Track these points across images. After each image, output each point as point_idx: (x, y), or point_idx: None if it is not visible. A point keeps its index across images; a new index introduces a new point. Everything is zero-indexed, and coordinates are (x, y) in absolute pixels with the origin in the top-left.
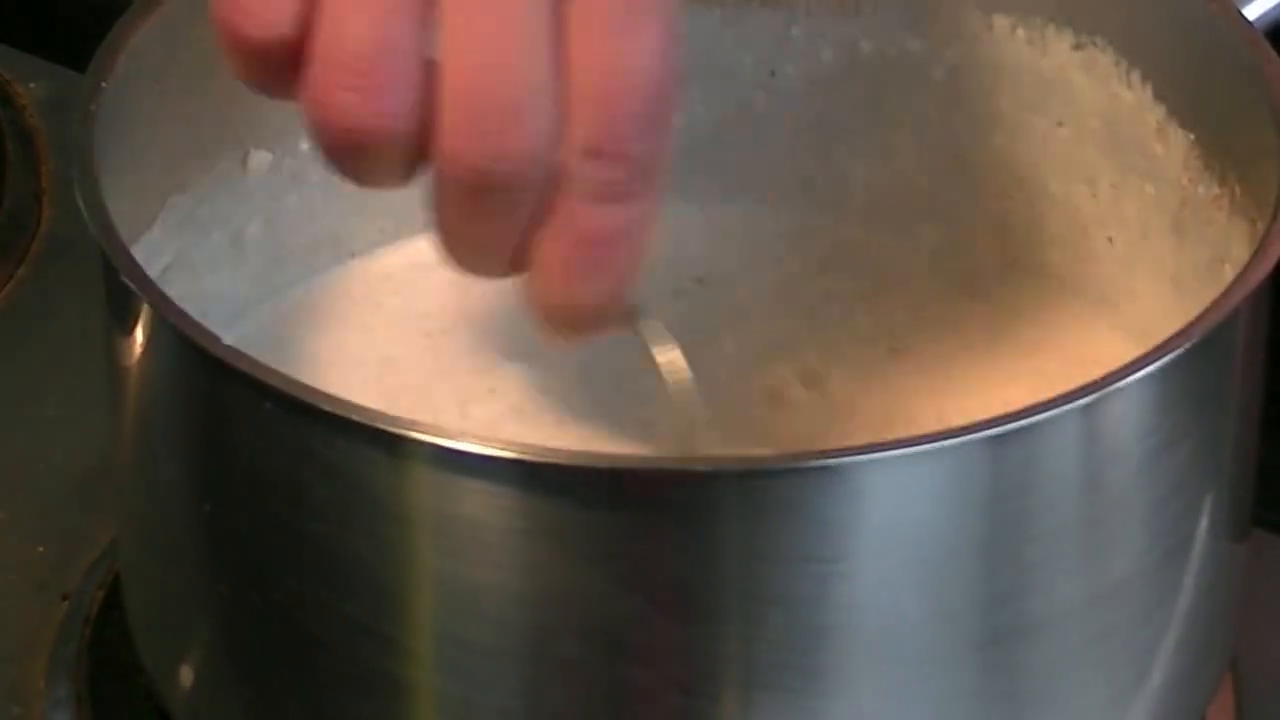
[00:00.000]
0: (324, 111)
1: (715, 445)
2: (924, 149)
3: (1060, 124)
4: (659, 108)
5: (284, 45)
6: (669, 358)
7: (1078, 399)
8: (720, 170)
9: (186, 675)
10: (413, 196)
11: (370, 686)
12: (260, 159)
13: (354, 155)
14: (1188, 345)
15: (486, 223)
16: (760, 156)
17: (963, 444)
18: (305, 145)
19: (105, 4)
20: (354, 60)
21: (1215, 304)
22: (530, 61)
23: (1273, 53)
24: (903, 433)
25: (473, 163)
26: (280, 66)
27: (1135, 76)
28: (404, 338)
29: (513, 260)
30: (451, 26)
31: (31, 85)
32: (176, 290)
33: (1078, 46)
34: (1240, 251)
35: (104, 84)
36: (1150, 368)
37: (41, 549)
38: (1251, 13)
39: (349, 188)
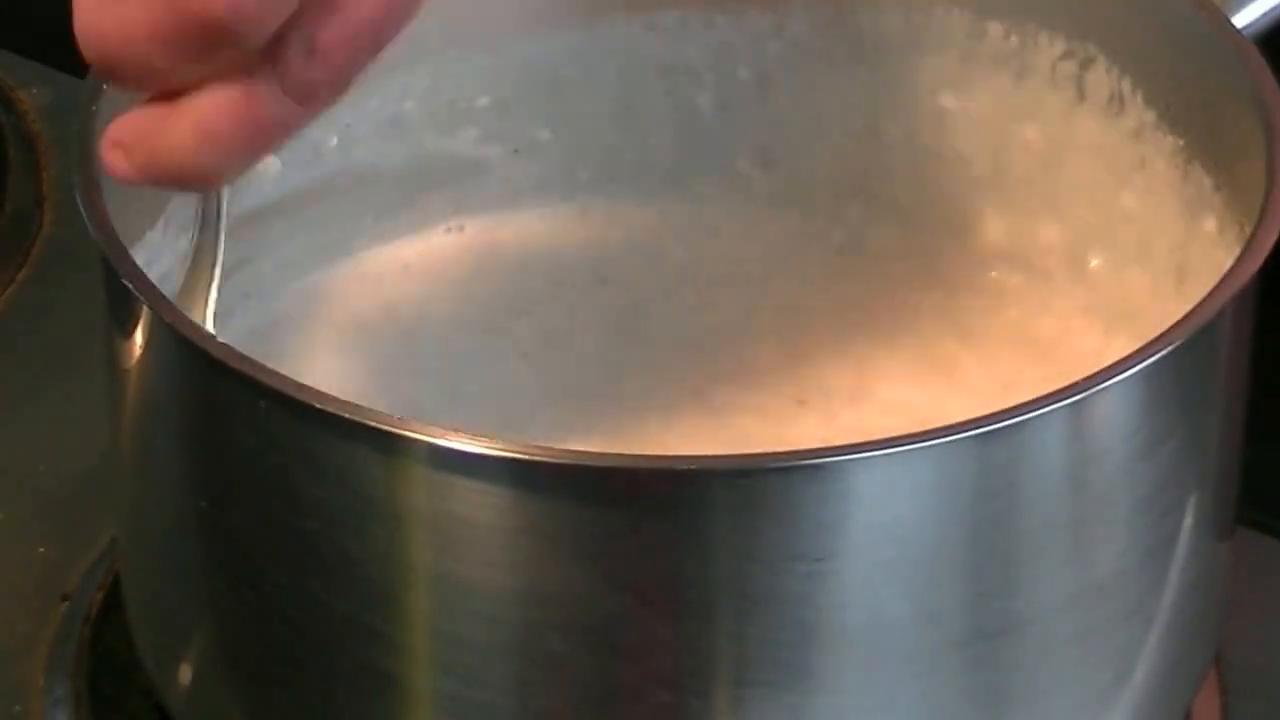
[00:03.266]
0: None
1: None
2: (907, 150)
3: (1052, 127)
4: (389, 30)
5: None
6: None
7: (1063, 398)
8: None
9: (185, 674)
10: (413, 197)
11: (363, 682)
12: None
13: None
14: (1174, 345)
15: (176, 59)
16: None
17: (949, 443)
18: (303, 148)
19: None
20: None
21: (1201, 304)
22: None
23: (1261, 60)
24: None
25: (216, 10)
26: None
27: (1126, 83)
28: (403, 338)
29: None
30: None
31: (33, 91)
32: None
33: (1068, 53)
34: (1227, 253)
35: (105, 86)
36: (1136, 367)
37: (41, 549)
38: (1240, 21)
39: (350, 188)
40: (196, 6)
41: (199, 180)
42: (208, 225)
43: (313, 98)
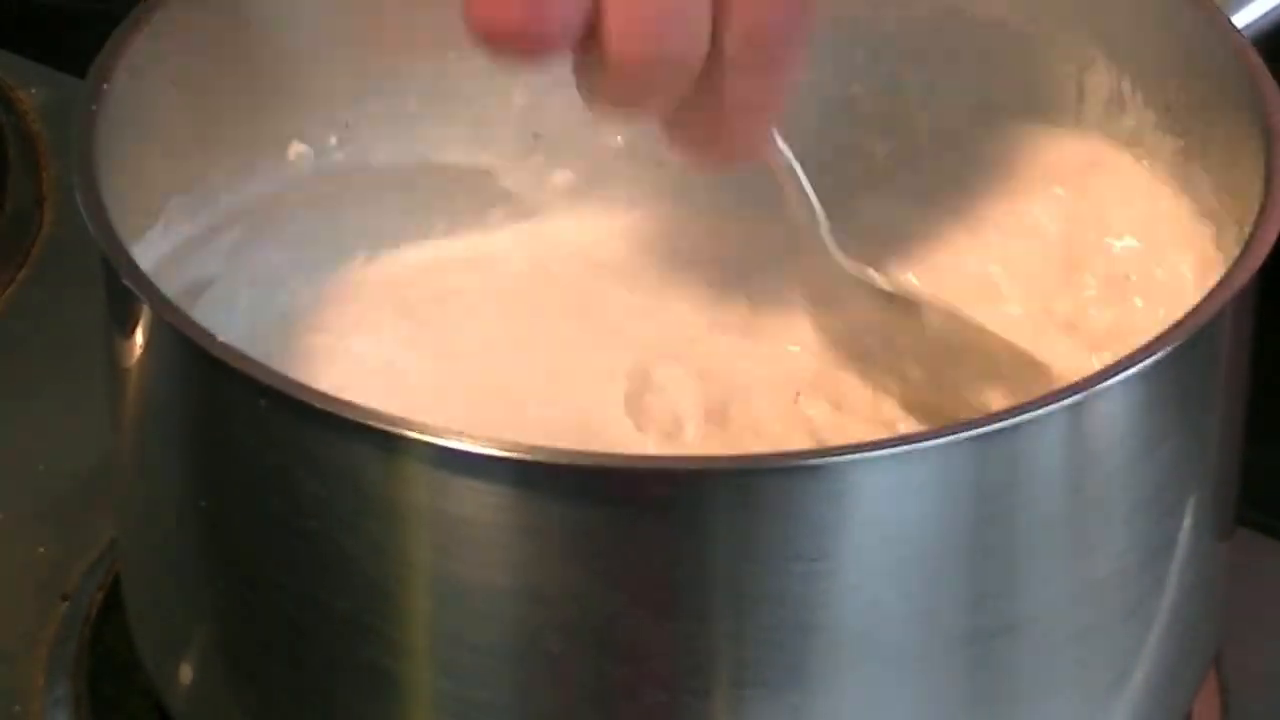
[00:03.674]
0: (492, 25)
1: None
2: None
3: (1051, 128)
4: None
5: None
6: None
7: (1063, 399)
8: None
9: (185, 674)
10: (413, 199)
11: (362, 681)
12: (298, 150)
13: (517, 59)
14: (1173, 346)
15: (642, 101)
16: None
17: (948, 444)
18: (303, 148)
19: (106, 10)
20: None
21: (1200, 306)
22: None
23: (1260, 61)
24: None
25: (634, 64)
26: None
27: (1126, 83)
28: (403, 337)
29: (667, 114)
30: None
31: (33, 91)
32: (175, 291)
33: (1070, 54)
34: (1226, 254)
35: (105, 85)
36: (1136, 369)
37: (41, 549)
38: (1240, 21)
39: (350, 189)
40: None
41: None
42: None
43: (775, 67)
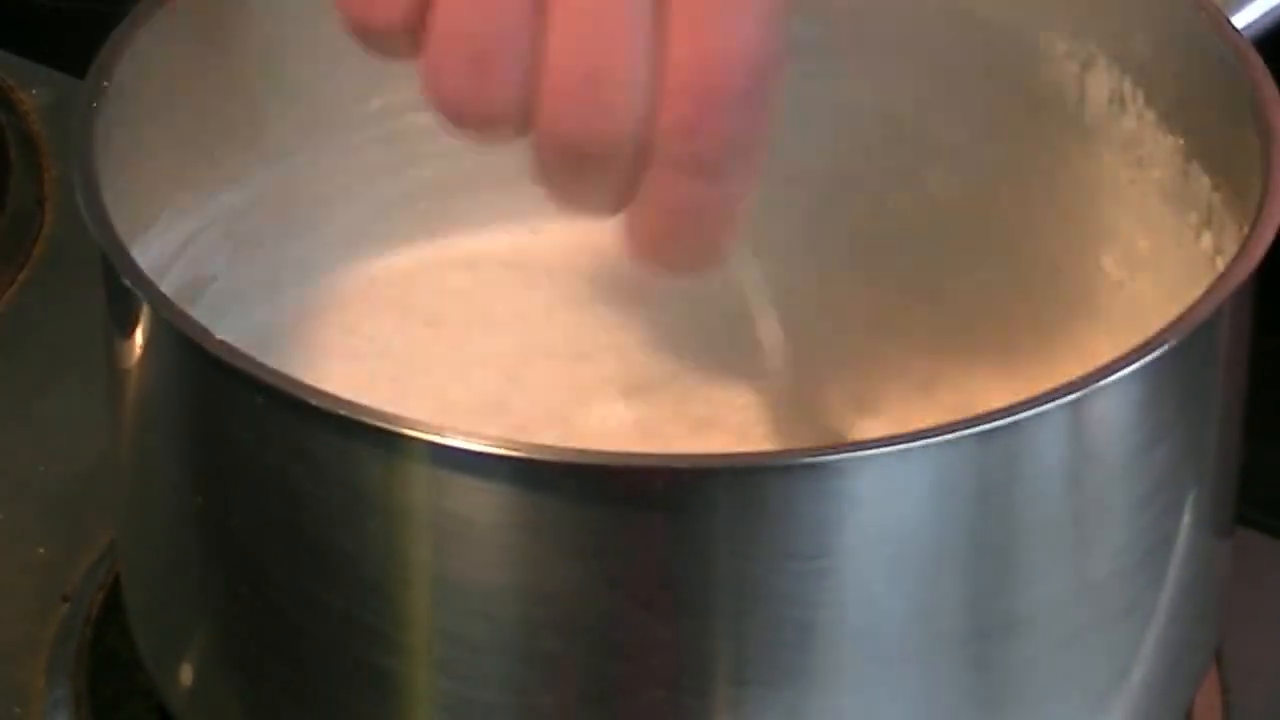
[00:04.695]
0: (440, 92)
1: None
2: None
3: (1054, 129)
4: (754, 85)
5: (404, 31)
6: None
7: (1062, 397)
8: None
9: (186, 674)
10: (412, 201)
11: (360, 681)
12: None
13: (466, 129)
14: (1171, 344)
15: (582, 184)
16: None
17: (947, 441)
18: (303, 148)
19: (106, 10)
20: (466, 47)
21: (1199, 302)
22: (628, 45)
23: (1260, 61)
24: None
25: (567, 139)
26: (399, 45)
27: (1126, 83)
28: (402, 337)
29: (614, 205)
30: (555, 9)
31: (34, 91)
32: (175, 291)
33: (1070, 54)
34: (1225, 253)
35: (106, 84)
36: (1134, 366)
37: (41, 549)
38: (1240, 21)
39: (350, 188)
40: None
41: (706, 270)
42: None
43: (719, 172)
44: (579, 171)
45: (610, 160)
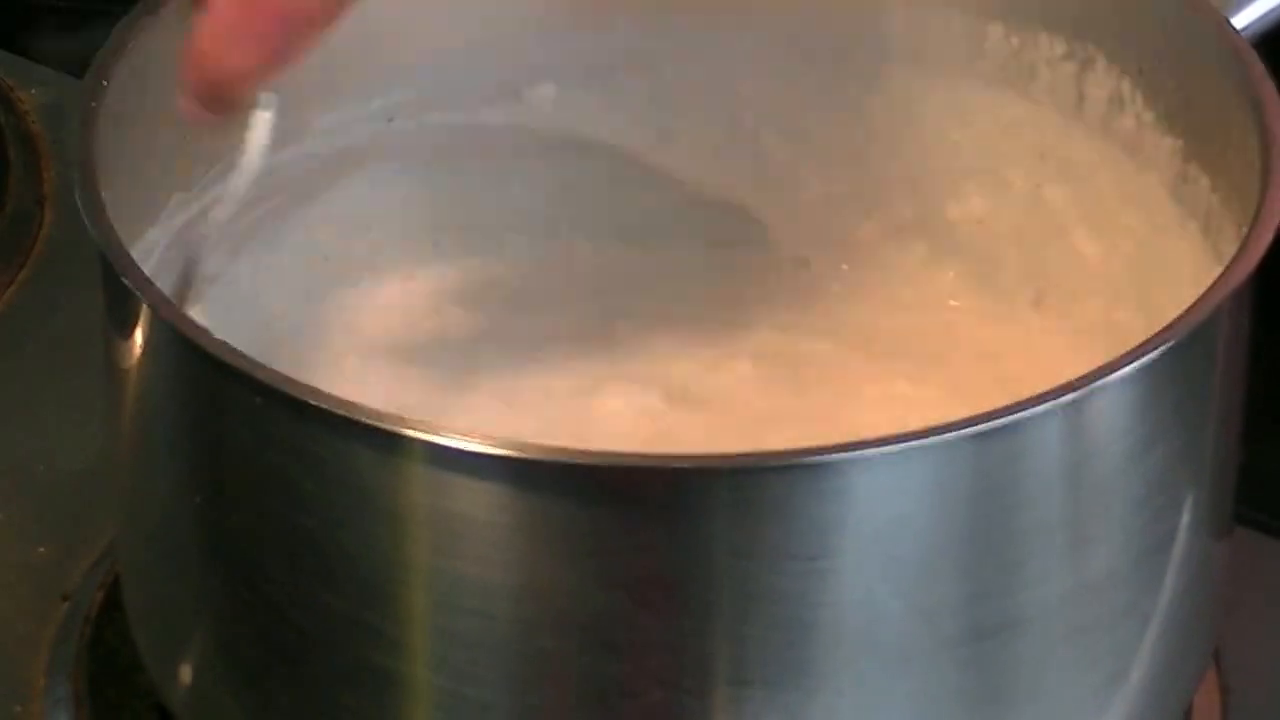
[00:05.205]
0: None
1: None
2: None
3: (1051, 129)
4: None
5: None
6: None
7: (1060, 397)
8: None
9: (185, 673)
10: (414, 197)
11: (360, 679)
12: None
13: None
14: (1170, 344)
15: None
16: None
17: (945, 442)
18: (303, 148)
19: (106, 10)
20: None
21: (1197, 303)
22: None
23: (1258, 61)
24: None
25: None
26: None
27: (1126, 83)
28: (403, 336)
29: None
30: None
31: (33, 91)
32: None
33: (1069, 54)
34: (1224, 253)
35: (105, 83)
36: (1132, 366)
37: (42, 549)
38: (1239, 21)
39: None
40: None
41: (254, 86)
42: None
43: None
44: None
45: None
